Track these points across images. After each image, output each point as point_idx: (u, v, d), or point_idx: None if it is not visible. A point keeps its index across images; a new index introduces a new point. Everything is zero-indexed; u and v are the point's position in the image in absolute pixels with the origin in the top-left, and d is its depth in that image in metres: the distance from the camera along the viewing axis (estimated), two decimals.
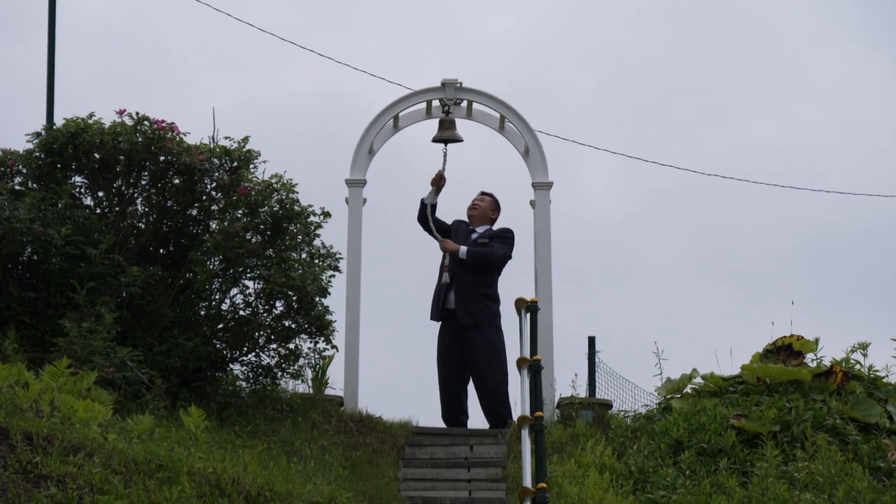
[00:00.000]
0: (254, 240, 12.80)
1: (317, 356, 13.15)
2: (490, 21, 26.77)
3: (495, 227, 13.63)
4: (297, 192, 13.00)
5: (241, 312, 12.78)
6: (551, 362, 13.45)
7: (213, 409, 12.09)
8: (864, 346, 13.60)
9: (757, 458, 11.53)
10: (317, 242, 13.08)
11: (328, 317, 12.86)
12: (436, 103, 14.18)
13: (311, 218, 13.05)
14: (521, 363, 10.35)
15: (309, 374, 13.33)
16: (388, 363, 19.16)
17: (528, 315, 10.76)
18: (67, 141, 12.73)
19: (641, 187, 25.67)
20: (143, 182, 12.96)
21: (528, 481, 9.43)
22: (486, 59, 26.12)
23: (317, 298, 12.73)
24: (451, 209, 13.82)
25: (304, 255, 12.98)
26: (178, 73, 25.95)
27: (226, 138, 13.12)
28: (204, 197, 12.98)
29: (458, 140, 14.00)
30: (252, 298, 12.79)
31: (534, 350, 10.60)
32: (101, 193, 12.96)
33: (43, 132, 12.91)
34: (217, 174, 12.99)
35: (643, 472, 11.64)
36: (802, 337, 13.57)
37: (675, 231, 25.81)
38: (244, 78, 26.25)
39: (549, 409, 13.06)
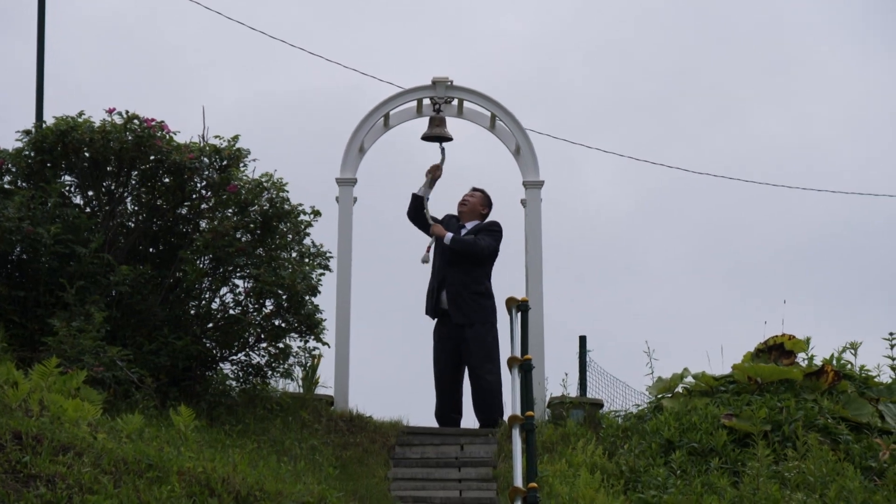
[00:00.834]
0: (244, 238, 12.77)
1: (307, 355, 13.12)
2: (495, 19, 26.81)
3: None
4: (288, 191, 12.98)
5: (231, 311, 12.75)
6: (542, 361, 13.43)
7: (202, 409, 12.06)
8: (854, 346, 13.61)
9: (748, 458, 11.52)
10: (307, 242, 13.05)
11: (318, 315, 12.84)
12: (426, 101, 14.16)
13: (302, 217, 13.02)
14: (511, 362, 10.34)
15: (299, 373, 13.31)
16: (378, 363, 19.15)
17: (519, 314, 10.75)
18: (57, 139, 12.69)
19: (642, 185, 25.71)
20: (133, 181, 12.92)
21: (518, 481, 9.41)
22: (486, 57, 26.16)
23: (307, 297, 12.71)
24: (442, 207, 13.81)
25: (294, 255, 12.95)
26: (173, 73, 25.94)
27: (216, 137, 13.10)
28: (194, 195, 12.95)
29: (447, 138, 13.98)
30: (242, 297, 12.76)
31: (524, 349, 10.58)
32: (90, 192, 12.91)
33: (33, 130, 12.87)
34: (207, 173, 12.95)
35: (634, 471, 11.63)
36: (794, 336, 13.57)
37: (675, 229, 25.84)
38: (241, 77, 26.26)
39: (539, 409, 13.04)
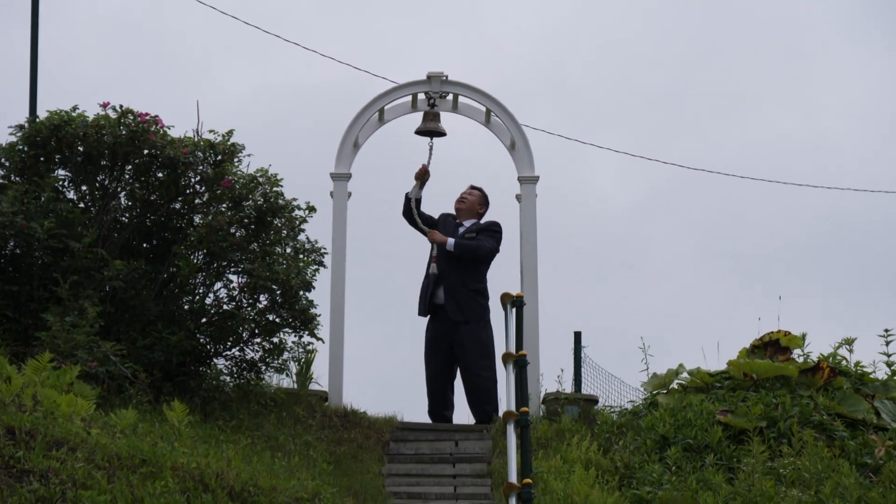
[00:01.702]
0: (238, 234, 12.74)
1: (301, 350, 13.10)
2: (501, 14, 26.80)
3: (482, 221, 13.59)
4: (282, 186, 12.97)
5: (225, 306, 12.72)
6: (537, 357, 13.42)
7: (196, 404, 12.03)
8: (850, 342, 13.58)
9: (743, 454, 11.50)
10: (301, 237, 13.03)
11: (312, 310, 12.82)
12: (421, 96, 14.14)
13: (296, 212, 13.00)
14: (506, 358, 10.32)
15: (293, 368, 13.29)
16: (372, 358, 19.12)
17: (514, 310, 10.73)
18: (51, 134, 12.65)
19: (645, 179, 25.70)
20: (127, 175, 12.89)
21: (513, 477, 9.39)
22: (491, 53, 26.15)
23: (301, 292, 12.69)
24: (437, 203, 13.79)
25: (288, 250, 12.93)
26: (168, 67, 25.90)
27: (210, 132, 13.07)
28: (188, 190, 12.93)
29: (440, 133, 13.98)
30: (236, 292, 12.74)
31: (519, 345, 10.56)
32: (84, 187, 12.88)
33: (26, 125, 12.83)
34: (201, 167, 12.93)
35: (629, 467, 11.61)
36: (789, 332, 13.54)
37: (676, 225, 25.83)
38: (239, 71, 26.24)
39: (534, 405, 13.04)
